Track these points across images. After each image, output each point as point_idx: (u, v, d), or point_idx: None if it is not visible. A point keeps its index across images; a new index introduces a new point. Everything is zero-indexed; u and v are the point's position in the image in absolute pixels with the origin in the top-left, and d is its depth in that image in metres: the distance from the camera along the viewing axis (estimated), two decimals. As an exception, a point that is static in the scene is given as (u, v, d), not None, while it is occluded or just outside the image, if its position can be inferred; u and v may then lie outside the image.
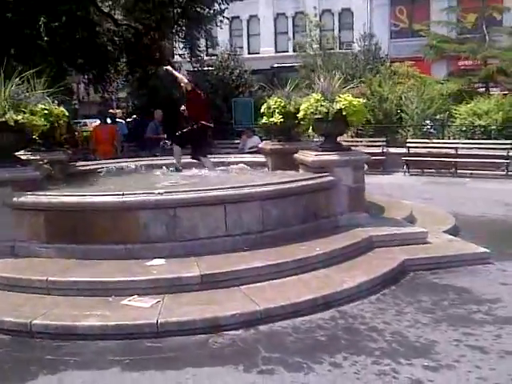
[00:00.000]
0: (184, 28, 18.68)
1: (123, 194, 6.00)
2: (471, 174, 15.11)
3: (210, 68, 23.71)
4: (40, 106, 6.62)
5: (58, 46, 15.03)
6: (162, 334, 4.60)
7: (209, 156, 9.70)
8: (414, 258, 6.15)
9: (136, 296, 5.17)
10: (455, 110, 17.53)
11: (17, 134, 6.38)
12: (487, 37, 22.25)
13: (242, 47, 33.14)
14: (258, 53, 34.31)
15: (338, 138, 7.74)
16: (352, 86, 7.92)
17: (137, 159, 10.61)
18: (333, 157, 7.04)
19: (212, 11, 18.57)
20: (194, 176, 8.66)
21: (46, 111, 7.07)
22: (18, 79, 6.49)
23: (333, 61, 26.36)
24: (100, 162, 10.21)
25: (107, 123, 15.20)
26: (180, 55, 21.85)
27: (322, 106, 7.08)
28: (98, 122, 15.92)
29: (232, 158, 10.63)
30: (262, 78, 26.99)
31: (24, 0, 13.57)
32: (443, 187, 13.15)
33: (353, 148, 8.30)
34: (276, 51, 34.75)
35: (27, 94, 6.52)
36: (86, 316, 4.78)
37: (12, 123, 6.14)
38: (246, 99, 22.03)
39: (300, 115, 7.49)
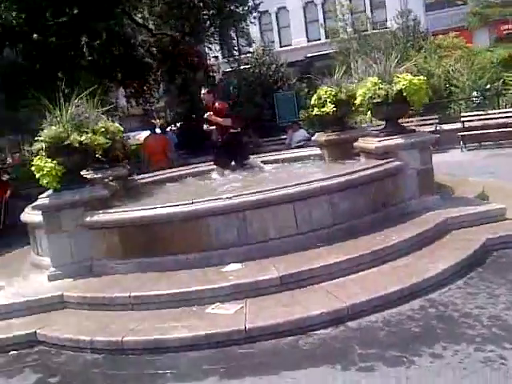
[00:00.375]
0: (219, 29, 18.61)
1: (192, 203, 6.02)
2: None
3: (247, 66, 23.66)
4: (100, 124, 6.69)
5: (98, 63, 15.25)
6: (252, 339, 4.57)
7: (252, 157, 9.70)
8: (495, 236, 5.90)
9: (218, 303, 5.17)
10: (509, 77, 16.90)
11: (81, 154, 6.46)
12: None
13: (273, 41, 32.93)
14: (290, 44, 33.94)
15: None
16: (410, 63, 7.70)
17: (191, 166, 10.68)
18: (397, 140, 6.85)
19: (246, 8, 18.43)
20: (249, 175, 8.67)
21: (103, 129, 7.15)
22: (76, 100, 6.59)
23: (369, 42, 25.90)
24: (158, 172, 10.29)
25: (156, 133, 15.34)
26: (216, 57, 21.86)
27: (380, 88, 6.90)
28: (148, 133, 16.07)
29: (285, 155, 10.56)
30: (297, 70, 26.81)
31: (65, 23, 13.82)
32: (506, 159, 12.66)
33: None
34: (308, 40, 34.30)
35: (86, 114, 6.60)
36: (175, 328, 4.81)
37: (77, 144, 6.24)
38: (287, 93, 21.86)
39: (358, 101, 7.32)
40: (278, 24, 35.40)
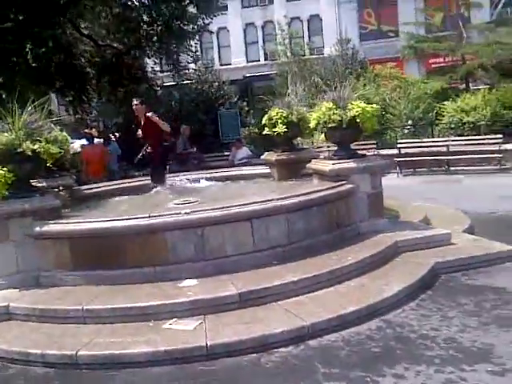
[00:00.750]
0: (165, 45, 18.50)
1: (149, 217, 5.93)
2: (463, 170, 15.31)
3: (189, 82, 23.64)
4: (53, 133, 6.50)
5: (38, 70, 14.80)
6: (213, 356, 4.54)
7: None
8: (443, 260, 6.14)
9: (176, 319, 5.10)
10: (442, 107, 17.77)
11: (33, 163, 6.25)
12: (464, 34, 22.66)
13: (213, 59, 33.26)
14: (230, 64, 34.38)
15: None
16: (361, 91, 7.97)
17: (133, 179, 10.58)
18: (350, 164, 7.05)
19: (196, 26, 18.47)
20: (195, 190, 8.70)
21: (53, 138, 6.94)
22: (30, 108, 6.38)
23: (308, 67, 26.59)
24: (102, 184, 10.06)
25: (94, 143, 14.98)
26: (160, 71, 21.71)
27: (334, 114, 7.09)
28: (82, 141, 15.62)
29: (232, 172, 10.63)
30: (237, 89, 27.11)
31: (10, 29, 13.38)
32: (441, 185, 13.29)
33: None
34: (248, 61, 34.97)
35: (40, 122, 6.39)
36: (133, 343, 4.70)
37: (29, 153, 6.03)
38: (231, 111, 22.08)
39: (312, 124, 7.49)
40: (218, 43, 35.77)
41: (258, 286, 5.39)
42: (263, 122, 9.68)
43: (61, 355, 4.67)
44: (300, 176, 8.94)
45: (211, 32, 21.54)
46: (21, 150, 6.02)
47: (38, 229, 6.04)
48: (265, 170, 10.07)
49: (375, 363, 4.22)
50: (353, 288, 5.55)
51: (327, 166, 7.20)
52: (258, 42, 35.00)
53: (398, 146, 16.61)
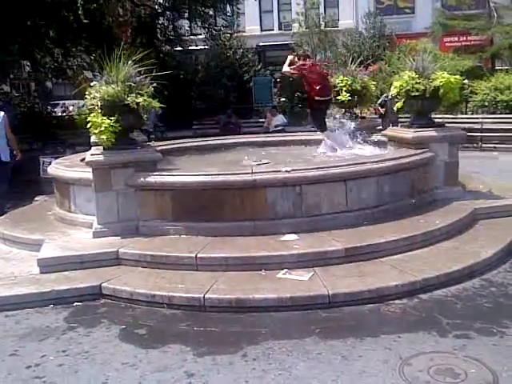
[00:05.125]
0: (203, 7, 18.44)
1: (252, 173, 6.17)
2: (495, 147, 15.54)
3: (217, 46, 23.58)
4: (151, 88, 6.67)
5: (88, 27, 14.83)
6: (334, 304, 4.83)
7: None
8: (525, 228, 6.45)
9: (286, 270, 5.38)
10: (474, 85, 17.91)
11: (134, 116, 6.45)
12: (495, 13, 22.62)
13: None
14: (244, 31, 34.17)
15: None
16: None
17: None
18: (432, 133, 7.28)
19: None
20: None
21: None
22: (131, 62, 6.54)
23: (329, 38, 26.43)
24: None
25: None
26: (194, 34, 21.73)
27: (418, 83, 7.28)
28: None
29: (297, 137, 10.77)
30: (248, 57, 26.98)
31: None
32: (478, 161, 13.48)
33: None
34: (261, 30, 34.66)
35: (140, 77, 6.56)
36: (254, 290, 4.97)
37: (135, 105, 6.22)
38: (265, 78, 22.18)
39: (393, 92, 7.68)
40: (232, 10, 35.34)
41: (362, 243, 5.67)
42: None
43: (188, 298, 4.95)
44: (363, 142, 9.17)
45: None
46: (127, 102, 6.21)
47: (141, 180, 6.27)
48: (319, 136, 10.26)
49: (493, 316, 4.51)
50: (446, 249, 5.83)
51: (408, 133, 7.42)
52: (272, 11, 34.59)
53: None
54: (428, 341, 4.17)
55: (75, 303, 5.24)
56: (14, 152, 8.88)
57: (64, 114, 24.81)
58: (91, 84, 6.57)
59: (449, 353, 3.95)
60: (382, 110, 15.28)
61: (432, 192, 7.25)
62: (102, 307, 5.17)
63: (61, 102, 28.67)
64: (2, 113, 8.72)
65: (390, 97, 13.46)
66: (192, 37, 21.84)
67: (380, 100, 15.45)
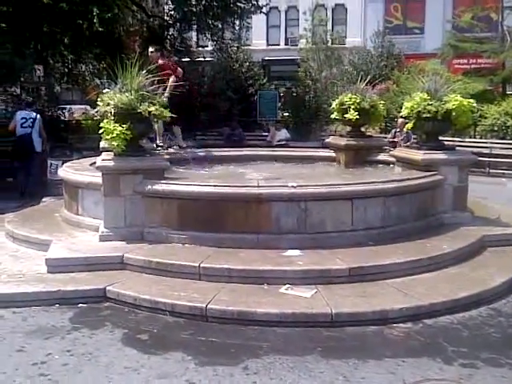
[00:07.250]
0: (212, 20, 18.51)
1: (258, 186, 6.14)
2: (503, 174, 15.48)
3: (224, 59, 23.63)
4: (163, 98, 6.71)
5: (101, 35, 14.97)
6: (336, 323, 4.76)
7: None
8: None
9: (289, 285, 5.32)
10: (484, 109, 17.89)
11: (145, 124, 6.52)
12: (508, 36, 22.64)
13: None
14: (250, 45, 34.36)
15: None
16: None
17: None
18: (442, 156, 7.23)
19: (250, 5, 18.49)
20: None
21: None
22: (144, 72, 6.57)
23: (336, 56, 26.47)
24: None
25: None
26: (201, 46, 21.81)
27: (430, 105, 7.25)
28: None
29: (294, 153, 10.77)
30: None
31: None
32: (486, 187, 13.41)
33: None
34: (268, 44, 34.80)
35: (153, 87, 6.59)
36: (257, 303, 4.91)
37: (147, 114, 6.24)
38: (270, 92, 22.21)
39: (404, 113, 7.63)
40: (240, 23, 35.51)
41: (367, 264, 5.61)
42: (332, 106, 9.85)
43: (191, 307, 4.91)
44: (367, 163, 9.16)
45: (264, 12, 21.37)
46: (139, 110, 6.23)
47: (149, 187, 6.26)
48: (324, 153, 10.31)
49: (502, 347, 4.42)
50: (452, 275, 5.75)
51: (418, 155, 7.37)
52: (279, 26, 34.82)
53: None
54: (433, 367, 4.09)
55: (80, 304, 5.26)
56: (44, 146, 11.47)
57: (71, 119, 24.90)
58: (104, 91, 6.60)
59: (455, 382, 3.88)
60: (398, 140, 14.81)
61: (440, 216, 7.18)
62: (106, 310, 5.18)
63: (67, 106, 28.82)
64: (38, 115, 11.50)
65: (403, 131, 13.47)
66: (200, 48, 21.93)
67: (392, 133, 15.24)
